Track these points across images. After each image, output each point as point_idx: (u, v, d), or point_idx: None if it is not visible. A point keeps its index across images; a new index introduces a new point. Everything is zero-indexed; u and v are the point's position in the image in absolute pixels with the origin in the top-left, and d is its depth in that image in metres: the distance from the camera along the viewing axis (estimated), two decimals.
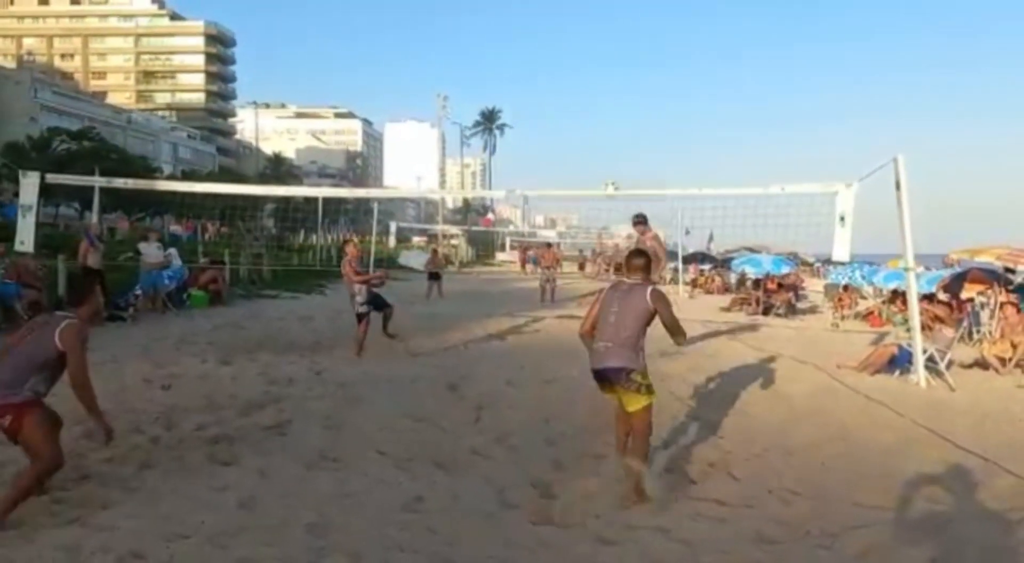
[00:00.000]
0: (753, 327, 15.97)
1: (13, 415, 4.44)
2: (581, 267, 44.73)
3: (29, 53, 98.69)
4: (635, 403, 5.12)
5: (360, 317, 10.55)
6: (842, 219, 9.47)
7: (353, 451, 5.96)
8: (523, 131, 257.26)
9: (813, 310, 21.36)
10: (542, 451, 6.15)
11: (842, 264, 17.93)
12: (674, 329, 5.26)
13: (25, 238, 10.25)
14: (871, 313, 18.47)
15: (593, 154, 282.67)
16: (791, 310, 20.03)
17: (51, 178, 11.04)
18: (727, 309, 20.53)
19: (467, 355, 11.23)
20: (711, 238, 37.94)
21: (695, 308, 20.26)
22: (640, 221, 11.33)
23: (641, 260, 5.46)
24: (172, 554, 4.00)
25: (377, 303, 10.78)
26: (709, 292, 28.16)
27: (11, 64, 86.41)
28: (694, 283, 30.22)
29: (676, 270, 30.54)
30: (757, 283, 21.09)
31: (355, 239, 13.99)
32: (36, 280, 12.41)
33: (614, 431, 5.49)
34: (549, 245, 28.81)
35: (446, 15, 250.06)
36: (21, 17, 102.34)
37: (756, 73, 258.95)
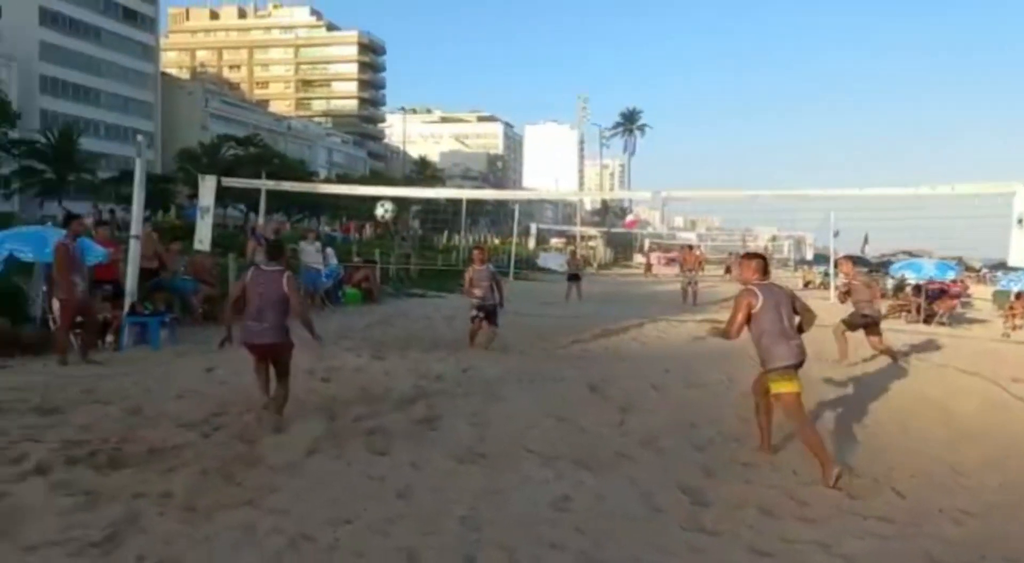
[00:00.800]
0: (914, 335, 15.03)
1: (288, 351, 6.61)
2: (727, 270, 43.03)
3: (201, 65, 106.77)
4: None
5: (472, 319, 11.17)
6: (1020, 222, 8.78)
7: (500, 448, 6.08)
8: (663, 132, 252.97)
9: (981, 320, 19.84)
10: (689, 456, 6.06)
11: (1017, 270, 16.57)
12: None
13: (203, 237, 11.11)
14: None
15: (735, 154, 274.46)
16: (955, 319, 18.70)
17: (226, 181, 11.89)
18: (884, 316, 19.37)
19: (608, 357, 11.20)
20: (866, 240, 36.05)
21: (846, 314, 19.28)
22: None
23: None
24: (338, 538, 4.23)
25: (490, 315, 11.08)
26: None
27: (185, 76, 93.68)
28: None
29: (826, 274, 29.20)
30: (918, 289, 19.80)
31: (483, 246, 14.20)
32: (211, 276, 13.43)
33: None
34: (691, 247, 28.18)
35: (588, 18, 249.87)
36: (195, 31, 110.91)
37: (911, 69, 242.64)
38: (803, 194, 11.73)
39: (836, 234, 27.22)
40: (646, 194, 14.21)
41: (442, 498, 4.92)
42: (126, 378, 8.07)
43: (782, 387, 5.70)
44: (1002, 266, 31.72)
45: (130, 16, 71.89)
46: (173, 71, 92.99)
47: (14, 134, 40.51)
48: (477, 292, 11.08)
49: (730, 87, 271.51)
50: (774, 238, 59.77)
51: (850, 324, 10.87)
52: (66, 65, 64.62)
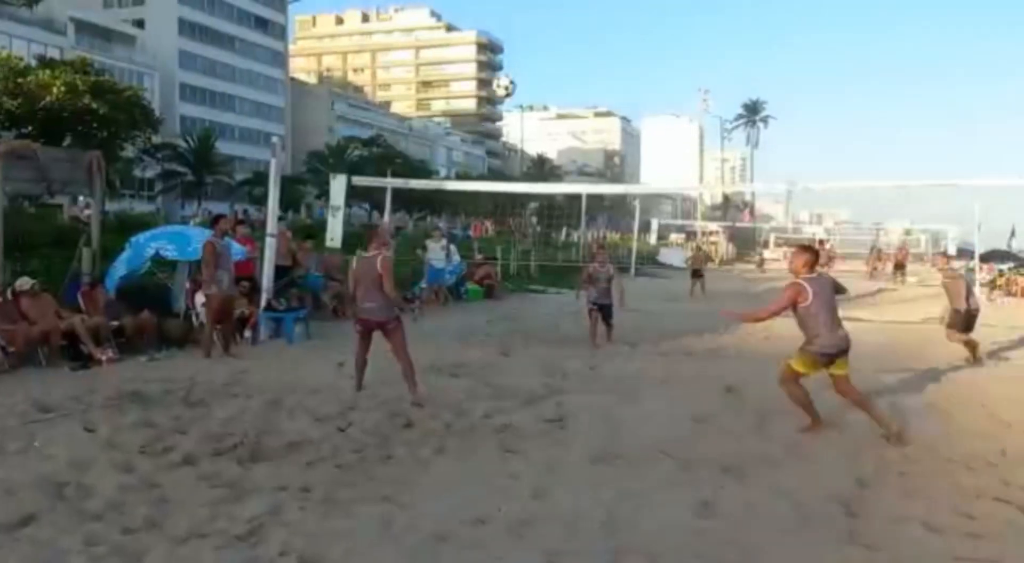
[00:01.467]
0: None
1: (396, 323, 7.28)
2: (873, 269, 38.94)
3: (327, 69, 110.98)
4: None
5: (590, 312, 11.27)
6: None
7: (635, 449, 5.89)
8: (787, 124, 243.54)
9: None
10: (837, 464, 5.67)
11: None
12: None
13: (335, 235, 11.43)
14: None
15: (864, 145, 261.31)
16: None
17: (356, 180, 12.19)
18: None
19: (740, 356, 10.77)
20: (1012, 234, 33.48)
21: (994, 313, 17.91)
22: None
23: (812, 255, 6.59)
24: (475, 538, 4.17)
25: (604, 310, 11.24)
26: (1011, 294, 24.76)
27: (312, 80, 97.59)
28: (992, 284, 26.71)
29: (970, 269, 27.27)
30: None
31: (604, 245, 14.33)
32: (339, 273, 13.81)
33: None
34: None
35: (705, 6, 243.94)
36: (320, 37, 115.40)
37: None
38: (952, 183, 10.89)
39: (979, 227, 25.39)
40: (780, 185, 13.52)
41: (579, 500, 4.79)
42: (264, 372, 8.37)
43: (837, 370, 6.34)
44: None
45: (262, 24, 75.51)
46: (301, 76, 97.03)
47: (156, 139, 43.30)
48: (594, 290, 11.24)
49: (852, 76, 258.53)
50: (908, 231, 56.44)
51: (953, 325, 10.44)
52: (204, 73, 68.59)
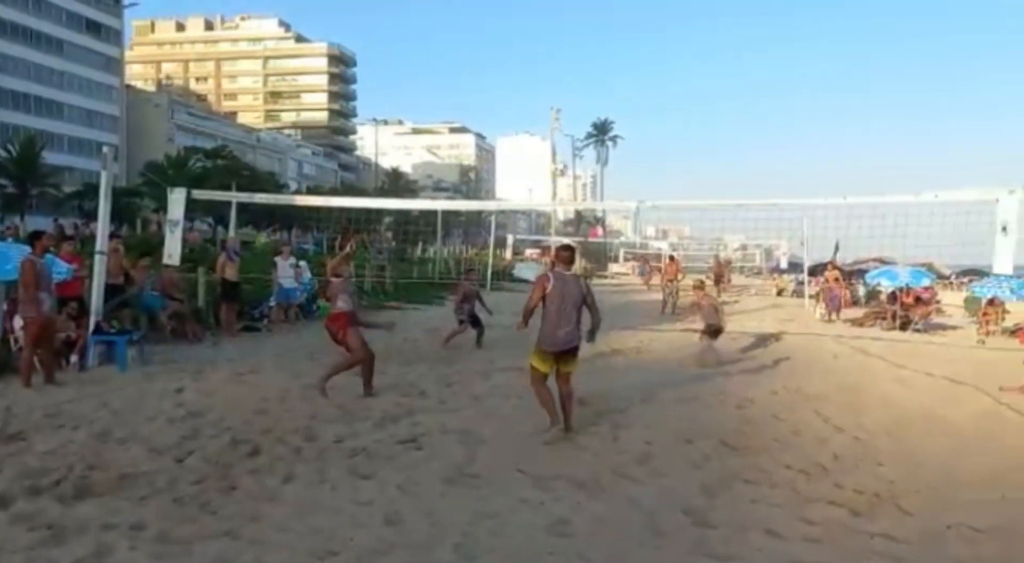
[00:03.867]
0: (892, 343, 15.05)
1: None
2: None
3: (167, 77, 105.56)
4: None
5: (461, 322, 12.88)
6: (1004, 229, 8.74)
7: (492, 468, 5.83)
8: (635, 142, 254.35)
9: (954, 326, 19.97)
10: (688, 474, 5.85)
11: (988, 276, 16.67)
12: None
13: (173, 252, 10.76)
14: (1021, 329, 17.09)
15: (706, 164, 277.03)
16: (930, 325, 18.81)
17: (196, 194, 11.54)
18: (859, 324, 19.45)
19: (593, 370, 10.95)
20: (837, 248, 36.27)
21: (826, 325, 19.36)
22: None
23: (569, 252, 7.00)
24: None
25: (475, 321, 12.93)
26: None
27: (151, 88, 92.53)
28: (817, 297, 28.82)
29: (800, 283, 29.29)
30: (893, 296, 19.90)
31: (475, 268, 16.12)
32: (179, 292, 13.04)
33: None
34: (672, 257, 28.08)
35: (558, 27, 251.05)
36: (160, 44, 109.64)
37: (891, 72, 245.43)
38: (786, 202, 11.64)
39: (802, 243, 27.29)
40: (630, 203, 14.03)
41: (434, 524, 4.67)
42: (92, 400, 7.70)
43: (564, 367, 6.72)
44: (973, 273, 32.07)
45: (93, 28, 70.81)
46: (139, 84, 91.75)
47: None
48: (467, 305, 12.98)
49: (700, 97, 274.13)
50: (744, 246, 60.12)
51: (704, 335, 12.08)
52: (28, 78, 63.44)
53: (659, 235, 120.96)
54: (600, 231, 77.57)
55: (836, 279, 22.03)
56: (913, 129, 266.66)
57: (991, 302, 19.15)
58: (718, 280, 32.31)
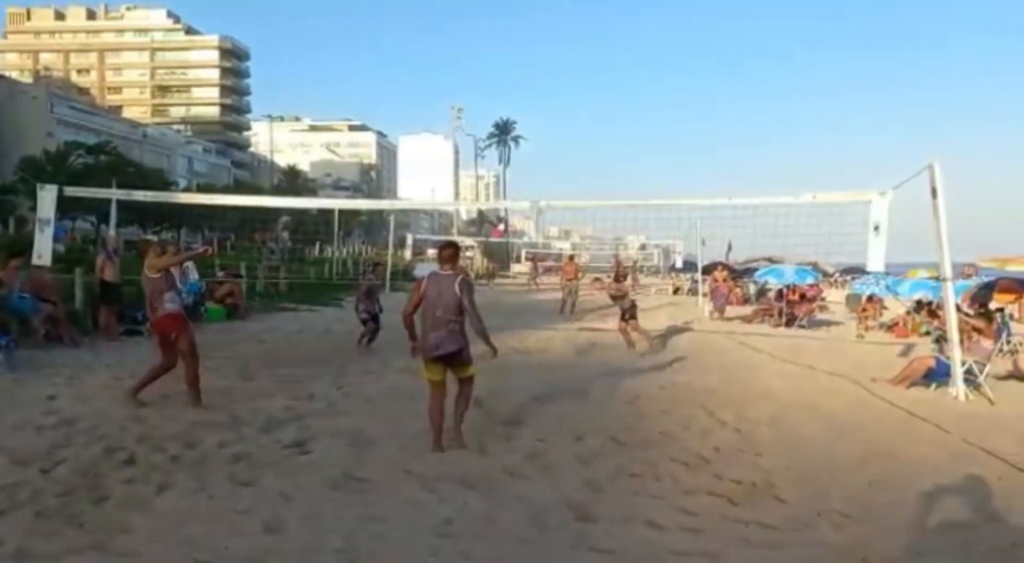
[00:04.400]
0: (778, 339, 15.70)
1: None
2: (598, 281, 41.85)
3: (46, 68, 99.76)
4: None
5: (364, 321, 12.61)
6: (876, 229, 9.22)
7: (379, 471, 5.73)
8: (538, 143, 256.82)
9: (837, 322, 21.02)
10: (576, 470, 5.91)
11: (862, 273, 17.64)
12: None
13: (43, 252, 10.13)
14: (896, 324, 18.15)
15: (608, 165, 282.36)
16: (814, 321, 19.74)
17: (70, 191, 10.93)
18: (749, 320, 20.24)
19: (492, 369, 10.95)
20: (730, 248, 37.61)
21: (718, 323, 20.06)
22: None
23: (449, 250, 6.44)
24: None
25: (375, 318, 12.66)
26: (728, 303, 27.77)
27: (28, 79, 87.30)
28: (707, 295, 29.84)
29: (695, 281, 30.20)
30: (780, 294, 20.78)
31: (382, 265, 15.94)
32: (53, 294, 12.31)
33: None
34: (572, 257, 28.45)
35: (459, 26, 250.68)
36: (38, 32, 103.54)
37: (779, 77, 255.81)
38: (675, 202, 11.97)
39: (704, 243, 28.18)
40: (524, 203, 14.10)
41: (316, 530, 4.55)
42: None
43: (459, 373, 6.42)
44: (854, 271, 33.79)
45: None
46: (13, 74, 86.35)
47: None
48: (367, 303, 12.78)
49: (602, 97, 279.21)
50: (643, 246, 61.63)
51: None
52: None
53: (562, 235, 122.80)
54: (502, 231, 77.96)
55: (724, 278, 22.86)
56: (794, 135, 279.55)
57: (869, 299, 20.28)
58: (617, 278, 32.99)
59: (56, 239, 13.60)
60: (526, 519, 4.82)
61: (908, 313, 17.95)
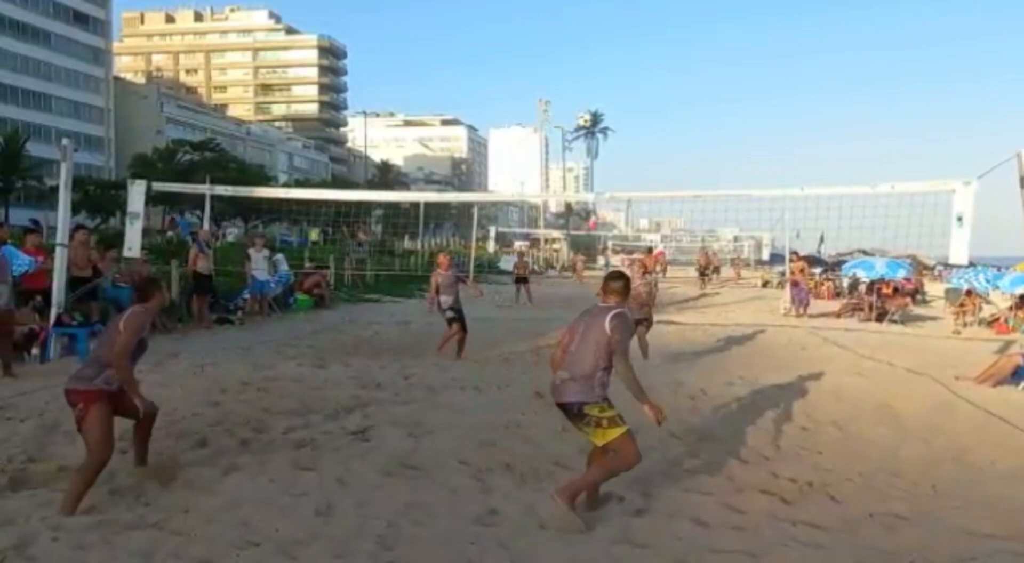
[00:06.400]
0: (865, 334, 15.12)
1: (83, 403, 4.76)
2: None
3: (157, 69, 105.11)
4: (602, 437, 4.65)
5: (450, 321, 10.80)
6: (960, 219, 8.81)
7: (434, 459, 5.86)
8: (627, 134, 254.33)
9: (934, 317, 20.08)
10: None
11: (961, 266, 16.74)
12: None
13: (133, 244, 10.75)
14: (997, 320, 17.20)
15: (698, 154, 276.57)
16: (908, 317, 18.91)
17: (158, 186, 11.52)
18: (838, 315, 19.54)
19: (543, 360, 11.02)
20: (821, 240, 36.39)
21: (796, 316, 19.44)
22: None
23: (618, 283, 4.94)
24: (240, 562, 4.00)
25: (462, 316, 10.87)
26: (819, 297, 26.92)
27: (140, 80, 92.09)
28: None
29: (783, 275, 29.38)
30: (871, 287, 19.98)
31: (448, 251, 13.98)
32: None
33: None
34: (650, 250, 28.12)
35: (547, 20, 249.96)
36: (150, 35, 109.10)
37: (866, 71, 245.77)
38: (746, 194, 11.69)
39: (798, 235, 27.35)
40: (605, 195, 14.13)
41: (363, 514, 4.71)
42: (46, 392, 7.70)
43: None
44: (959, 264, 32.22)
45: (81, 20, 70.45)
46: (128, 76, 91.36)
47: None
48: (446, 298, 10.76)
49: (691, 88, 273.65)
50: (736, 238, 60.30)
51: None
52: (13, 70, 63.09)
53: (652, 227, 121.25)
54: (594, 223, 77.62)
55: (801, 270, 21.32)
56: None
57: (968, 293, 19.29)
58: (703, 272, 32.40)
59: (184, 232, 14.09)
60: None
61: (1010, 308, 16.99)
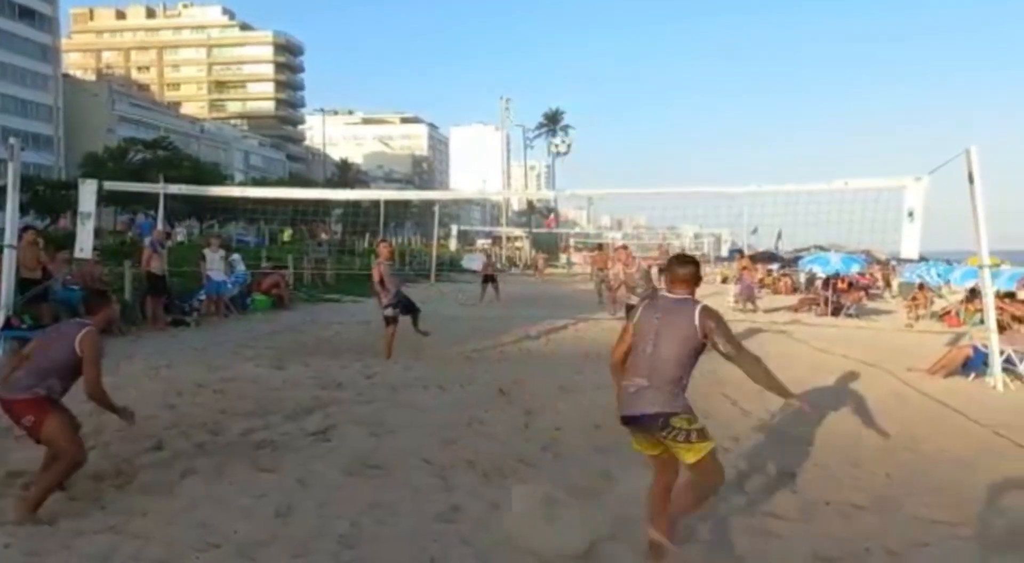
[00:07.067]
0: (821, 328, 15.41)
1: (34, 414, 4.60)
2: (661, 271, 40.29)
3: (108, 66, 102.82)
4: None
5: (388, 320, 10.45)
6: (911, 215, 9.00)
7: (396, 458, 5.83)
8: (587, 132, 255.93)
9: (888, 311, 20.54)
10: (591, 459, 5.93)
11: (912, 261, 17.16)
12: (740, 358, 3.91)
13: (84, 245, 10.53)
14: (948, 313, 17.66)
15: (659, 153, 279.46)
16: (863, 311, 19.31)
17: (109, 185, 11.29)
18: (795, 310, 19.89)
19: (520, 359, 11.06)
20: (779, 236, 36.97)
21: (760, 310, 19.76)
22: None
23: (688, 269, 4.16)
24: None
25: (405, 305, 10.66)
26: (777, 292, 27.39)
27: (90, 77, 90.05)
28: (761, 283, 29.37)
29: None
30: (826, 282, 20.36)
31: (389, 241, 13.57)
32: (103, 285, 12.74)
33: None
34: (600, 246, 28.45)
35: (508, 17, 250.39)
36: (100, 32, 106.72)
37: (821, 68, 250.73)
38: (704, 191, 11.84)
39: (755, 231, 27.79)
40: (566, 192, 14.19)
41: (325, 515, 4.67)
42: None
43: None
44: (910, 259, 33.01)
45: (26, 15, 68.60)
46: (78, 73, 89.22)
47: None
48: (391, 287, 10.46)
49: (651, 86, 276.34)
50: (696, 235, 61.06)
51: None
52: None
53: (614, 225, 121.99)
54: (554, 221, 77.85)
55: (744, 268, 22.23)
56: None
57: (920, 287, 19.77)
58: (662, 269, 32.66)
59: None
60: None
61: (961, 302, 17.45)
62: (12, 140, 10.07)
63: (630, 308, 9.55)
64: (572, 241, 63.15)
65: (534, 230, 65.38)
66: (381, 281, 10.40)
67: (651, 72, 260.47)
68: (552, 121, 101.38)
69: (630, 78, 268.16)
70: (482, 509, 4.81)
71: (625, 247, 13.92)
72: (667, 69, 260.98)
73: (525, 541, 4.17)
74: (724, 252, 40.55)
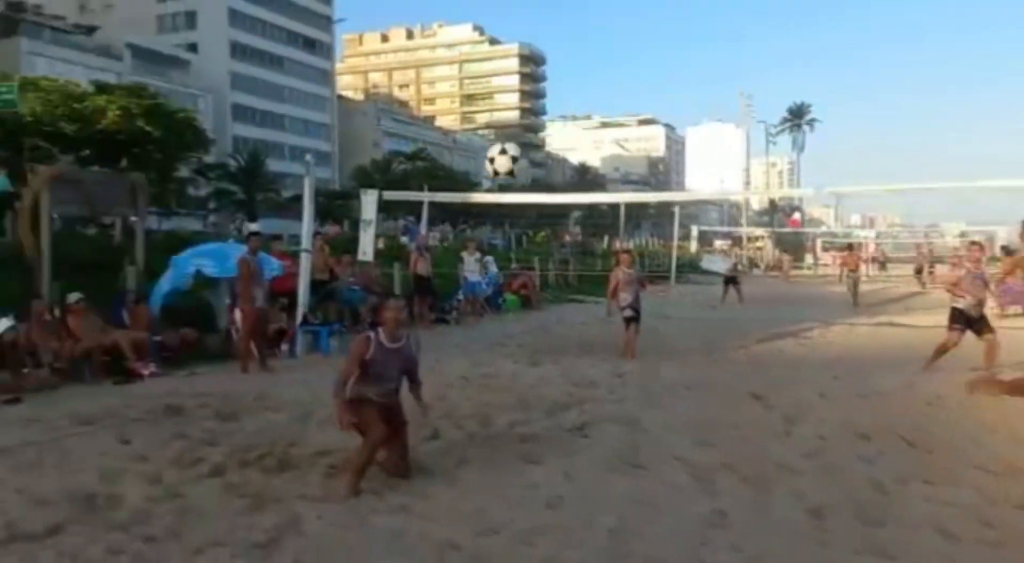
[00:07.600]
0: None
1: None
2: (919, 271, 35.78)
3: (374, 86, 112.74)
4: None
5: (627, 321, 10.77)
6: None
7: (653, 457, 5.88)
8: (835, 126, 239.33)
9: None
10: (860, 469, 5.61)
11: None
12: None
13: (367, 249, 11.67)
14: None
15: (916, 144, 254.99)
16: None
17: (388, 194, 12.40)
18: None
19: (773, 363, 10.67)
20: None
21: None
22: None
23: None
24: (483, 548, 4.24)
25: (638, 317, 10.86)
26: None
27: (359, 97, 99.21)
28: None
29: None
30: None
31: (630, 249, 13.79)
32: (378, 286, 14.05)
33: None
34: (851, 246, 26.70)
35: (745, 14, 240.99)
36: (367, 55, 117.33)
37: None
38: (974, 184, 10.64)
39: None
40: (809, 191, 13.42)
41: (591, 509, 4.82)
42: (298, 384, 8.56)
43: None
44: None
45: (310, 45, 77.13)
46: (348, 93, 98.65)
47: (209, 159, 44.57)
48: (625, 296, 10.78)
49: (901, 73, 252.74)
50: (963, 233, 55.01)
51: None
52: (254, 93, 70.32)
53: (865, 223, 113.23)
54: (798, 220, 73.78)
55: (1008, 271, 18.81)
56: None
57: None
58: (919, 271, 29.84)
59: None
60: (802, 516, 4.71)
61: None
62: (308, 157, 11.42)
63: (958, 312, 9.11)
64: (819, 241, 59.40)
65: (777, 229, 62.36)
66: (617, 287, 10.81)
67: (907, 55, 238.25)
68: (796, 115, 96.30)
69: (880, 63, 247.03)
70: (749, 515, 4.73)
71: (979, 245, 11.70)
72: (924, 49, 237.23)
73: None
74: (997, 251, 36.07)
